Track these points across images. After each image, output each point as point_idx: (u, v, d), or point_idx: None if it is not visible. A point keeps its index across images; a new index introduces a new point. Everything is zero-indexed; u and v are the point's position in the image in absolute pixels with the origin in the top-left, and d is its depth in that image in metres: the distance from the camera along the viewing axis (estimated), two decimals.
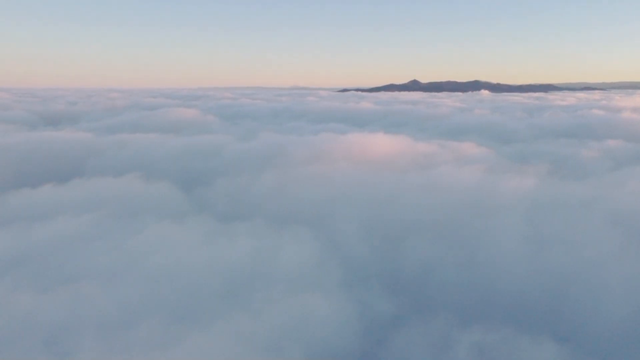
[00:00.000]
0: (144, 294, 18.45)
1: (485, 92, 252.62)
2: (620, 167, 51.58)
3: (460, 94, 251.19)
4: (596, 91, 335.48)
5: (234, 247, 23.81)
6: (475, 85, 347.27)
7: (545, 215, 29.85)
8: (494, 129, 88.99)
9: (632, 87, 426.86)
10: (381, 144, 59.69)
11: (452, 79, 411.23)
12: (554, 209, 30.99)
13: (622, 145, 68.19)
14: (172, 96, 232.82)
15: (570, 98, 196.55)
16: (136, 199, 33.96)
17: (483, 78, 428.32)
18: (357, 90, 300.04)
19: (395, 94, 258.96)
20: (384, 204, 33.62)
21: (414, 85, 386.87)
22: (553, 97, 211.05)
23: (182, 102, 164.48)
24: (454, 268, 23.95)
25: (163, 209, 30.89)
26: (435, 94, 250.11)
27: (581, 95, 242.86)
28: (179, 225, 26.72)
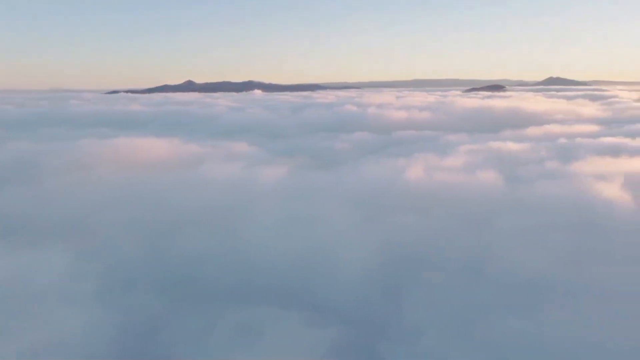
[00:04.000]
0: None
1: (258, 92, 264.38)
2: (365, 155, 60.38)
3: (235, 94, 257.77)
4: (353, 89, 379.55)
5: None
6: (249, 85, 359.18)
7: (301, 200, 33.67)
8: (263, 127, 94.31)
9: (381, 85, 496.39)
10: (150, 147, 58.44)
11: (227, 79, 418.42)
12: (308, 194, 35.16)
13: (368, 137, 79.53)
14: None
15: (331, 96, 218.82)
16: None
17: (257, 78, 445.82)
18: (129, 92, 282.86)
19: (170, 95, 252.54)
20: (150, 206, 33.52)
21: (189, 86, 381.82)
22: (317, 96, 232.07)
23: None
24: (221, 256, 25.48)
25: None
26: (211, 94, 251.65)
27: (341, 93, 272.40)
28: None
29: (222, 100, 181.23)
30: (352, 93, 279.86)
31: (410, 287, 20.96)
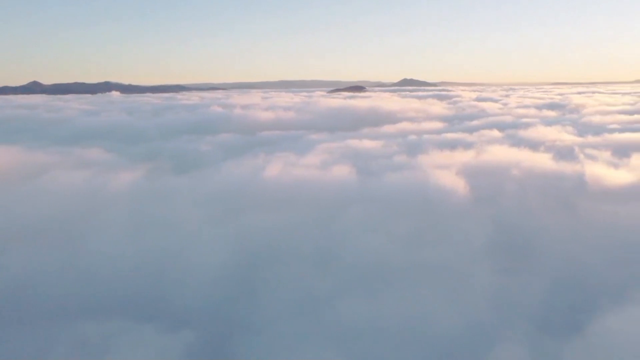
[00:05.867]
0: None
1: (115, 94, 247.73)
2: (230, 156, 59.88)
3: (89, 96, 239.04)
4: (220, 91, 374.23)
5: None
6: (106, 87, 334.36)
7: (157, 205, 32.39)
8: (121, 131, 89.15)
9: (248, 86, 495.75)
10: None
11: (80, 80, 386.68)
12: (165, 199, 33.94)
13: (233, 138, 79.04)
14: None
15: (195, 97, 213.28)
16: None
17: (114, 79, 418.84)
18: None
19: (11, 97, 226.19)
20: None
21: (34, 87, 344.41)
22: (181, 97, 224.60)
23: None
24: (63, 270, 23.65)
25: None
26: (61, 96, 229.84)
27: (206, 94, 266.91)
28: None
29: (73, 103, 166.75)
30: (217, 94, 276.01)
31: (264, 282, 21.44)
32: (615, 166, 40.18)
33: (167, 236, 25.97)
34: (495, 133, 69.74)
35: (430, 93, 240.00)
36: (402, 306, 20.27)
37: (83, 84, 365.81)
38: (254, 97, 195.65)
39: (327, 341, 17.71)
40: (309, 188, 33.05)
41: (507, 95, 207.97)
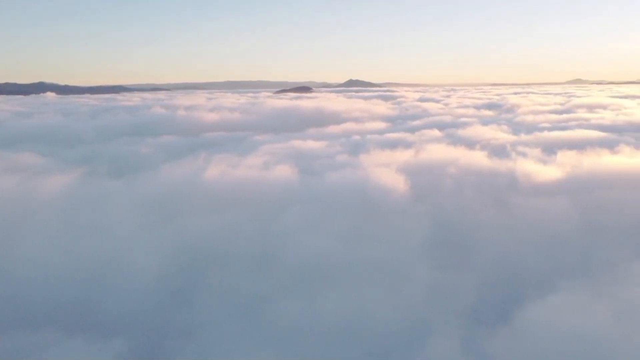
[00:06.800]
0: None
1: (51, 95, 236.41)
2: (171, 159, 58.43)
3: (22, 97, 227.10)
4: (163, 91, 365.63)
5: None
6: (40, 87, 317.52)
7: (91, 210, 31.10)
8: (57, 133, 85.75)
9: (192, 87, 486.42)
10: None
11: (12, 81, 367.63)
12: (101, 204, 32.66)
13: (175, 140, 77.28)
14: None
15: (136, 98, 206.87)
16: None
17: (50, 79, 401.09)
18: None
19: None
20: None
21: None
22: (122, 98, 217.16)
23: None
24: None
25: None
26: None
27: (148, 95, 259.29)
28: None
29: (4, 104, 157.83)
30: (160, 95, 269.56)
31: (202, 286, 21.14)
32: (544, 163, 42.37)
33: (101, 242, 25.04)
34: (436, 132, 71.88)
35: (375, 94, 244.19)
36: (341, 305, 20.49)
37: (15, 84, 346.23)
38: (199, 98, 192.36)
39: (265, 342, 17.65)
40: (250, 189, 32.83)
41: (448, 96, 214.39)
